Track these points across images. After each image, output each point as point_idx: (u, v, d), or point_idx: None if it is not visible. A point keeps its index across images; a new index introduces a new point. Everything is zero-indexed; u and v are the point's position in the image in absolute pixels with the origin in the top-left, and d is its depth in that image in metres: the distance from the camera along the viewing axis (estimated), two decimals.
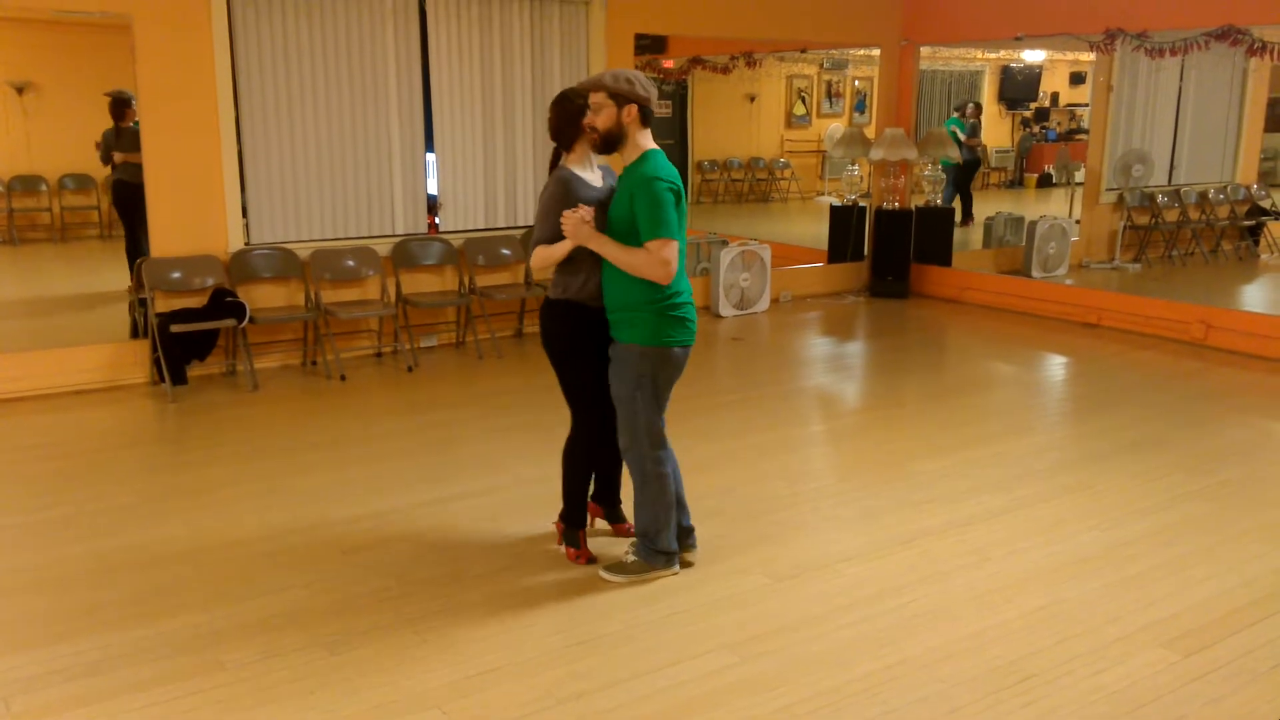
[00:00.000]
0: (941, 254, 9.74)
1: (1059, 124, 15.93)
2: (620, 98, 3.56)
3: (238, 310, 6.50)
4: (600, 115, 3.62)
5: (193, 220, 6.61)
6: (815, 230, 10.87)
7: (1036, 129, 15.81)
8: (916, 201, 9.90)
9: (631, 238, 3.60)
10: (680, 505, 3.97)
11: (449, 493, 4.80)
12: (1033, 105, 15.67)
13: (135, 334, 6.80)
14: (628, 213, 3.58)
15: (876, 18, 9.52)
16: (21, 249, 11.67)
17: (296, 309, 6.97)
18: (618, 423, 3.83)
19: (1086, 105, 12.96)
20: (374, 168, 7.23)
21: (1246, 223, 11.62)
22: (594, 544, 4.12)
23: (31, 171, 11.84)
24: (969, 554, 4.14)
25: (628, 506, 4.18)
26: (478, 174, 7.66)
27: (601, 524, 4.31)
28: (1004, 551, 4.17)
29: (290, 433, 5.72)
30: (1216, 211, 11.40)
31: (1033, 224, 9.95)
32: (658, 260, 3.53)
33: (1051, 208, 12.39)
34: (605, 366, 3.82)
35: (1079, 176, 11.16)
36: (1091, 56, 10.17)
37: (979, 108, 13.17)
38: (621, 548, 4.03)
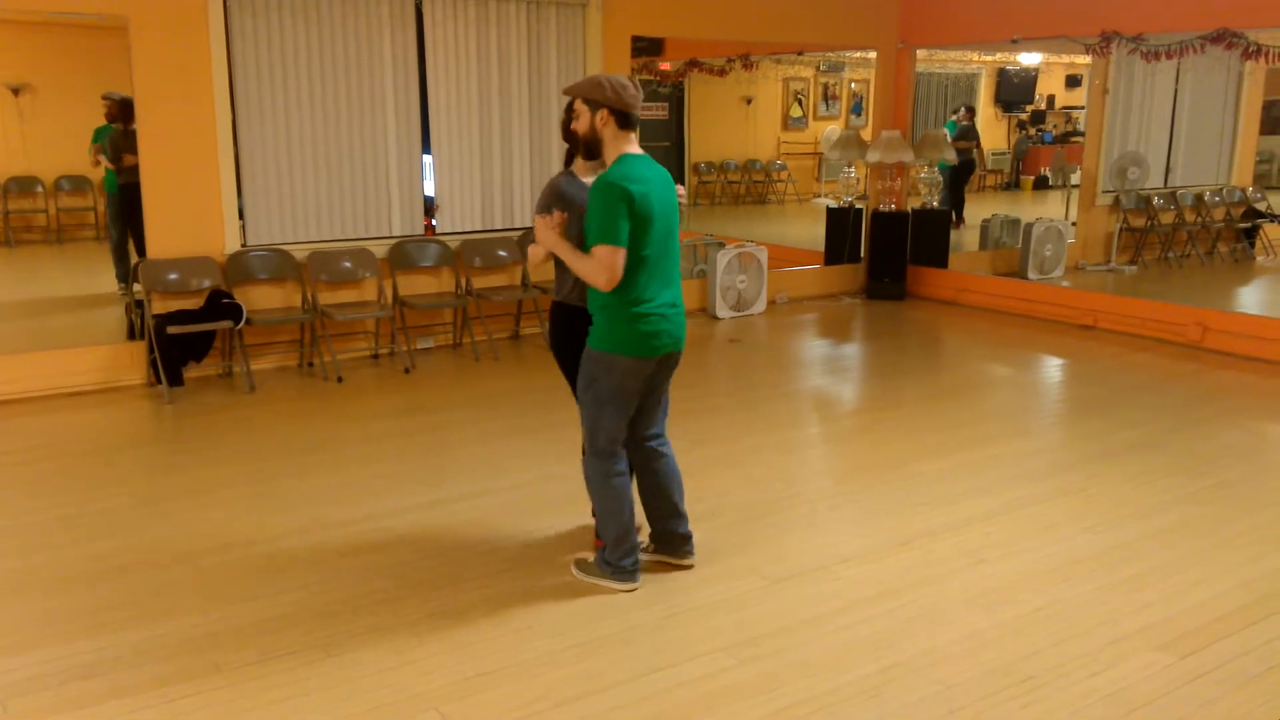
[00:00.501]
0: (938, 256, 9.76)
1: (1055, 126, 15.95)
2: (593, 103, 3.56)
3: (234, 312, 6.50)
4: (579, 121, 3.63)
5: (189, 222, 6.61)
6: (812, 232, 10.88)
7: (1033, 131, 15.82)
8: (913, 203, 9.92)
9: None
10: (676, 514, 3.92)
11: (446, 495, 4.80)
12: (1029, 108, 15.68)
13: (132, 335, 6.80)
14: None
15: (873, 20, 9.54)
16: (17, 250, 11.64)
17: (293, 310, 6.96)
18: None
19: (1082, 108, 12.98)
20: (371, 169, 7.23)
21: (1242, 225, 11.64)
22: (575, 541, 4.12)
23: (27, 173, 11.81)
24: (966, 556, 4.15)
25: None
26: (474, 176, 7.66)
27: None
28: (1001, 553, 4.18)
29: (287, 434, 5.71)
30: (1212, 214, 11.42)
31: (1029, 226, 9.96)
32: (599, 267, 3.48)
33: (1047, 210, 12.40)
34: None
35: (1075, 179, 11.17)
36: (1087, 59, 10.19)
37: (970, 111, 13.18)
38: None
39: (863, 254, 9.93)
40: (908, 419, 6.09)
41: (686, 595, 3.80)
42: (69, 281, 10.18)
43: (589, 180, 3.87)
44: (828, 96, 15.54)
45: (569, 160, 4.00)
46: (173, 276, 6.54)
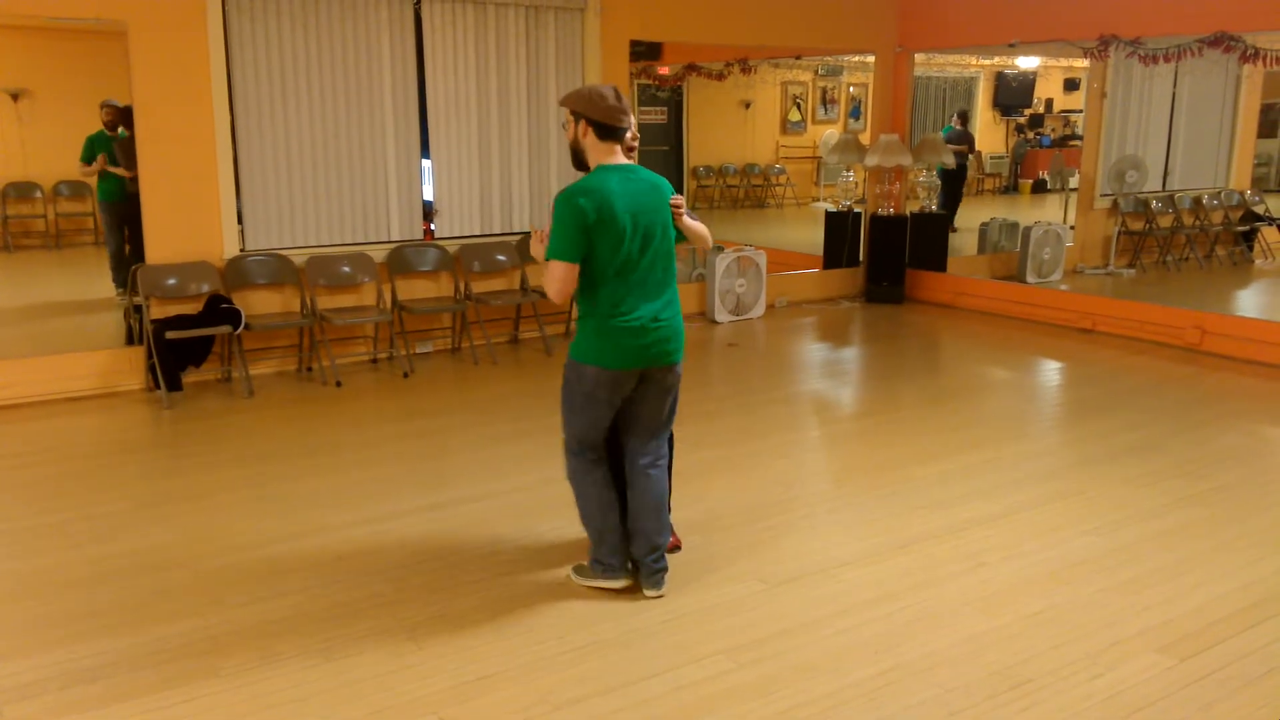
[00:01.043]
0: (936, 259, 9.76)
1: (1053, 130, 15.95)
2: (576, 114, 3.56)
3: (233, 317, 6.50)
4: (568, 131, 3.63)
5: (188, 227, 6.62)
6: (811, 236, 10.88)
7: (1031, 135, 15.83)
8: (911, 207, 9.93)
9: None
10: (646, 543, 3.79)
11: (445, 499, 4.80)
12: (1027, 111, 15.69)
13: (130, 341, 6.79)
14: None
15: (871, 24, 9.55)
16: (16, 256, 11.64)
17: (292, 315, 6.96)
18: None
19: (1081, 111, 12.99)
20: (369, 174, 7.24)
21: (1241, 228, 11.65)
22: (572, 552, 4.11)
23: (26, 178, 11.81)
24: (965, 559, 4.15)
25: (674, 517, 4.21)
26: (473, 180, 7.67)
27: None
28: (1000, 556, 4.18)
29: (286, 439, 5.71)
30: (1211, 217, 11.43)
31: (1027, 229, 9.97)
32: (549, 279, 3.50)
33: (1046, 213, 12.39)
34: None
35: (1073, 182, 11.17)
36: (1086, 63, 10.20)
37: (962, 116, 13.21)
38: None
39: (861, 258, 9.94)
40: (906, 422, 6.09)
41: (686, 598, 3.79)
42: (68, 287, 10.18)
43: None
44: (826, 100, 15.56)
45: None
46: (171, 281, 6.54)
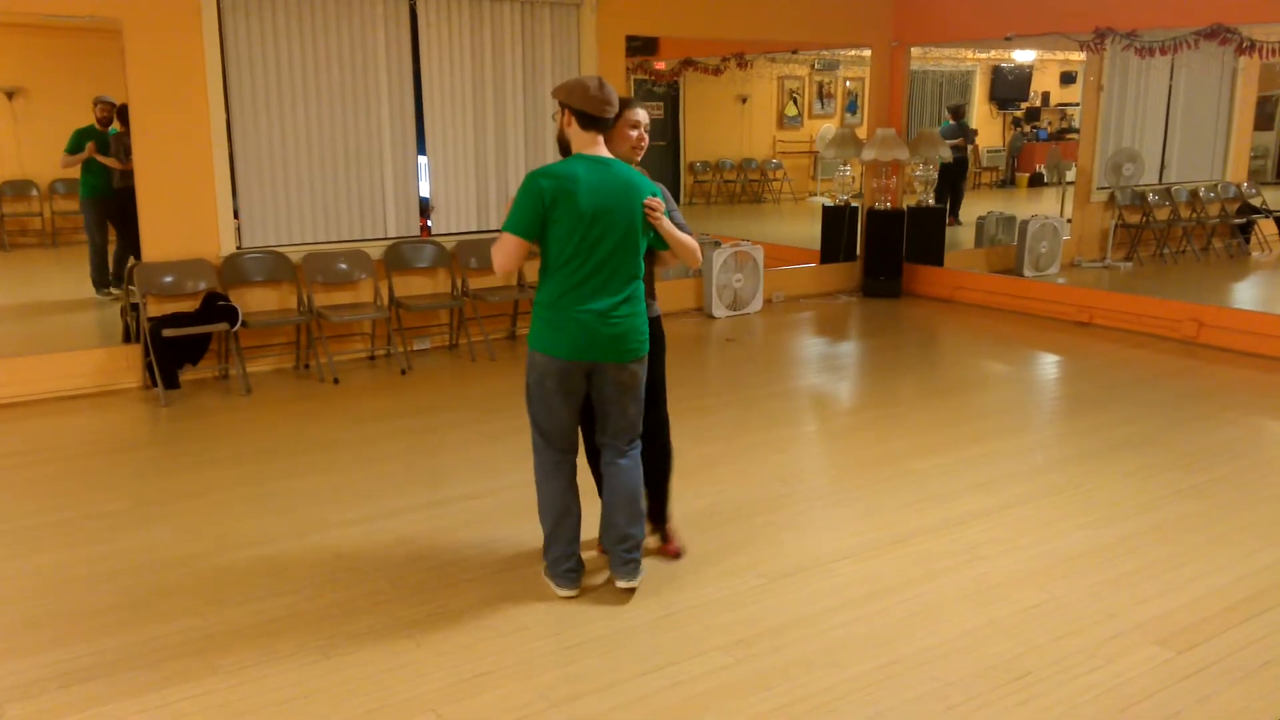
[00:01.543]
0: (934, 254, 9.76)
1: (1050, 123, 15.96)
2: (561, 104, 3.57)
3: (230, 314, 6.49)
4: (558, 120, 3.64)
5: (184, 224, 6.60)
6: (808, 231, 10.88)
7: (1028, 128, 15.83)
8: (908, 201, 9.92)
9: None
10: (616, 533, 3.75)
11: (443, 496, 4.80)
12: (1024, 105, 15.69)
13: (127, 339, 6.78)
14: None
15: (867, 18, 9.54)
16: (12, 254, 11.63)
17: (289, 312, 6.96)
18: None
19: (1077, 105, 12.98)
20: (366, 171, 7.23)
21: (1237, 221, 11.66)
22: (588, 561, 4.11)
23: (22, 176, 11.80)
24: (963, 552, 4.15)
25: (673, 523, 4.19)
26: (470, 176, 7.66)
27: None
28: (998, 550, 4.18)
29: (283, 436, 5.71)
30: (1207, 210, 11.43)
31: (1024, 223, 9.97)
32: (496, 249, 3.53)
33: (1043, 207, 12.41)
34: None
35: (1070, 176, 11.18)
36: (1082, 56, 10.19)
37: (955, 110, 13.22)
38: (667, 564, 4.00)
39: (858, 252, 9.93)
40: (904, 416, 6.09)
41: (683, 594, 3.80)
42: (64, 285, 10.15)
43: None
44: (823, 95, 15.55)
45: None
46: (168, 279, 6.54)
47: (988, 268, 10.16)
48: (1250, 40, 7.57)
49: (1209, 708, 3.09)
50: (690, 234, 3.78)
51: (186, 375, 6.64)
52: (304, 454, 5.40)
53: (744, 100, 14.85)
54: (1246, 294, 10.32)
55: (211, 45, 6.51)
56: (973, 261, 10.37)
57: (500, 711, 3.07)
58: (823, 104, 15.55)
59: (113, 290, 8.86)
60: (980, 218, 11.13)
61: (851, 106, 15.32)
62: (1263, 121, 12.43)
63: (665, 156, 13.85)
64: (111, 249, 8.88)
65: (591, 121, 3.54)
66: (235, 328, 6.50)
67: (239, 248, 6.84)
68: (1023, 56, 14.21)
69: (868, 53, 9.83)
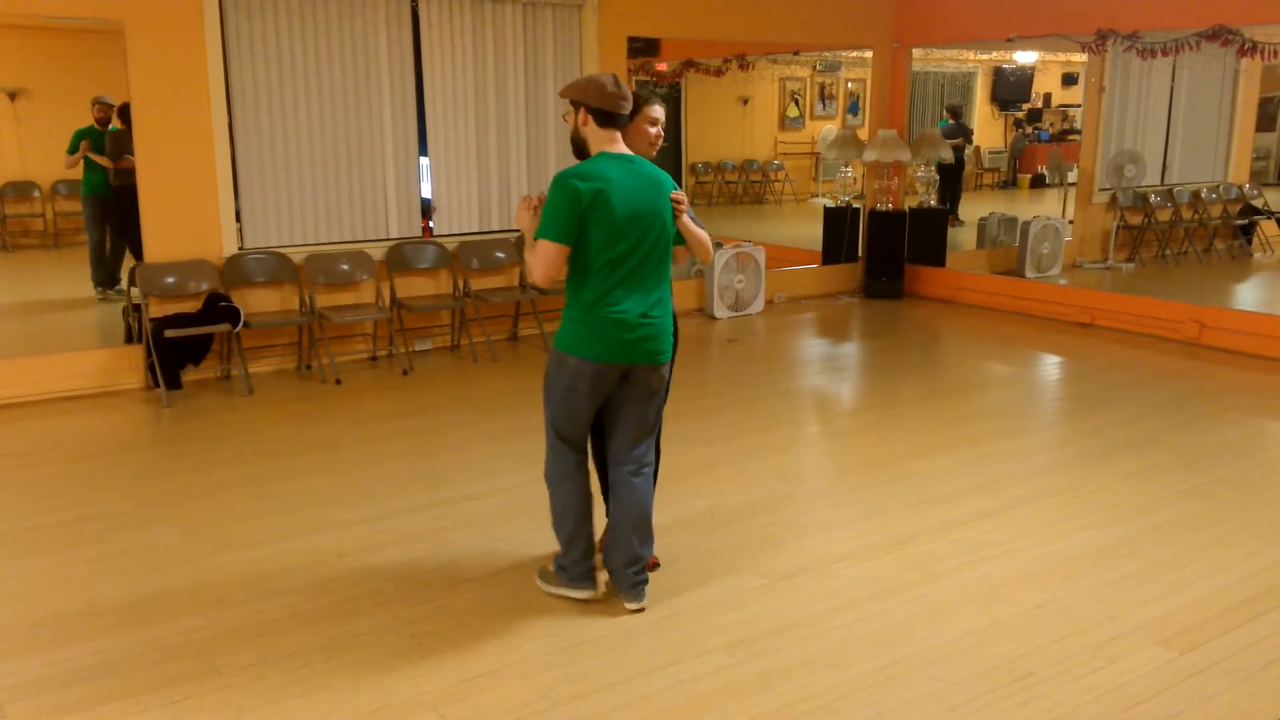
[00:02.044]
0: (935, 254, 9.76)
1: (1052, 125, 15.96)
2: (576, 103, 3.51)
3: (232, 315, 6.50)
4: (570, 121, 3.57)
5: (186, 225, 6.61)
6: (809, 232, 10.88)
7: (1029, 130, 15.84)
8: (910, 202, 9.92)
9: None
10: (628, 552, 3.67)
11: (445, 496, 4.80)
12: (1025, 106, 15.70)
13: (130, 339, 6.79)
14: None
15: (869, 20, 9.54)
16: (15, 255, 11.64)
17: (291, 313, 6.96)
18: None
19: (1079, 106, 12.98)
20: (368, 171, 7.23)
21: (1239, 222, 11.65)
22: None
23: (24, 177, 11.81)
24: (965, 553, 4.15)
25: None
26: (471, 177, 7.66)
27: None
28: (999, 550, 4.18)
29: (285, 437, 5.71)
30: (1209, 211, 11.43)
31: (1026, 224, 9.97)
32: (537, 260, 3.42)
33: (1045, 208, 12.40)
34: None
35: (1072, 177, 11.17)
36: (1083, 57, 10.19)
37: (953, 110, 13.22)
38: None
39: (860, 253, 9.93)
40: (906, 417, 6.09)
41: (684, 594, 3.79)
42: (66, 286, 10.15)
43: None
44: (824, 96, 15.55)
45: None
46: (170, 280, 6.54)
47: (989, 269, 10.15)
48: (1252, 42, 7.57)
49: (1211, 708, 3.09)
50: (703, 228, 3.75)
51: (188, 376, 6.65)
52: (306, 454, 5.40)
53: (745, 101, 14.85)
54: (1248, 295, 10.32)
55: (213, 46, 6.52)
56: (974, 263, 10.37)
57: (502, 711, 3.07)
58: (824, 105, 15.56)
59: (104, 289, 8.92)
60: (982, 219, 11.13)
61: (853, 108, 15.32)
62: (1264, 123, 12.43)
63: (667, 157, 13.83)
64: (111, 246, 8.92)
65: (610, 119, 3.48)
66: (237, 328, 6.50)
67: (241, 248, 6.84)
68: (1024, 58, 14.21)
69: (869, 54, 9.83)
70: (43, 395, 6.30)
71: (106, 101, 8.72)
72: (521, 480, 4.96)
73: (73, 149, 8.87)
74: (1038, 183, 15.07)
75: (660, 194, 3.53)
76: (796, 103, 15.34)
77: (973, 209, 12.50)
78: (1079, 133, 11.69)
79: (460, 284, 7.54)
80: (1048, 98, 16.06)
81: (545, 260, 3.41)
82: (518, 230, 7.80)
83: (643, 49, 9.71)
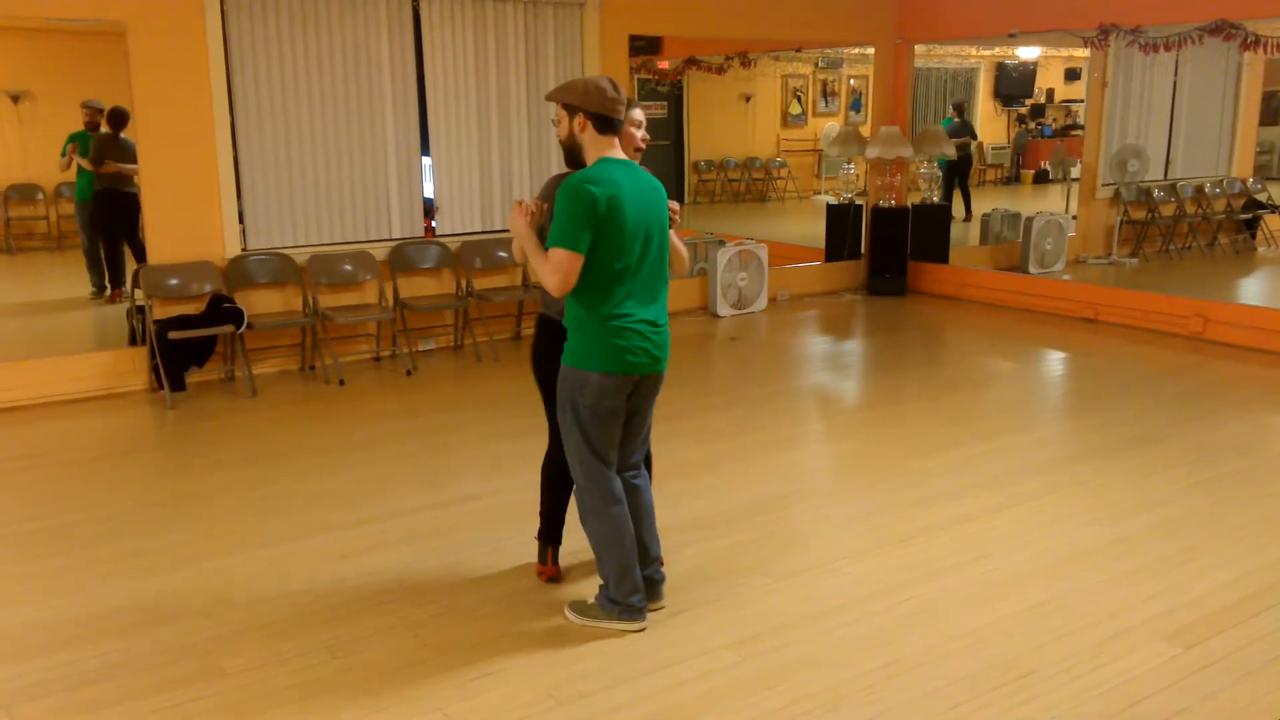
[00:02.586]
0: (938, 251, 9.75)
1: (1055, 120, 15.95)
2: (571, 108, 3.40)
3: (235, 316, 6.51)
4: (560, 127, 3.47)
5: (189, 227, 6.62)
6: (812, 229, 10.88)
7: (1032, 125, 15.82)
8: (913, 199, 9.91)
9: None
10: (645, 555, 3.62)
11: (449, 496, 4.80)
12: (1028, 102, 15.69)
13: (133, 341, 6.80)
14: None
15: (871, 16, 9.53)
16: (18, 257, 11.67)
17: (294, 314, 6.97)
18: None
19: (1082, 101, 12.96)
20: (370, 172, 7.24)
21: (1243, 216, 11.64)
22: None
23: (27, 180, 11.84)
24: (968, 551, 4.15)
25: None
26: (474, 177, 7.66)
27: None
28: (1003, 548, 4.18)
29: (289, 438, 5.72)
30: (1213, 205, 11.41)
31: (1029, 220, 9.96)
32: (553, 269, 3.25)
33: (1048, 204, 12.40)
34: None
35: (1075, 172, 11.16)
36: (1086, 53, 10.18)
37: (958, 107, 13.21)
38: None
39: (863, 250, 9.92)
40: (909, 415, 6.09)
41: (688, 593, 3.80)
42: (70, 288, 10.18)
43: None
44: (826, 93, 15.54)
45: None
46: (173, 282, 6.55)
47: (993, 265, 10.14)
48: (1255, 35, 7.55)
49: (1215, 704, 3.09)
50: (681, 239, 3.71)
51: (192, 377, 6.66)
52: (309, 455, 5.41)
53: (748, 99, 14.85)
54: (1252, 289, 10.30)
55: (215, 47, 6.52)
56: (978, 259, 10.36)
57: (506, 710, 3.08)
58: (827, 102, 15.55)
59: (97, 293, 8.97)
60: (985, 215, 11.12)
61: (855, 104, 15.31)
62: (1268, 117, 12.40)
63: (669, 156, 13.86)
64: (105, 248, 8.97)
65: (609, 124, 3.38)
66: (241, 330, 6.51)
67: (244, 250, 6.85)
68: (1027, 53, 14.19)
69: (871, 50, 9.82)
70: (47, 398, 6.31)
71: (95, 105, 8.74)
72: (526, 480, 4.95)
73: (65, 153, 8.92)
74: (1041, 178, 15.06)
75: (662, 201, 3.48)
76: (799, 100, 15.34)
77: (976, 205, 12.50)
78: (1082, 128, 11.67)
79: (463, 284, 7.55)
80: (1050, 93, 16.04)
81: (562, 270, 3.26)
82: None
83: (644, 47, 9.71)
